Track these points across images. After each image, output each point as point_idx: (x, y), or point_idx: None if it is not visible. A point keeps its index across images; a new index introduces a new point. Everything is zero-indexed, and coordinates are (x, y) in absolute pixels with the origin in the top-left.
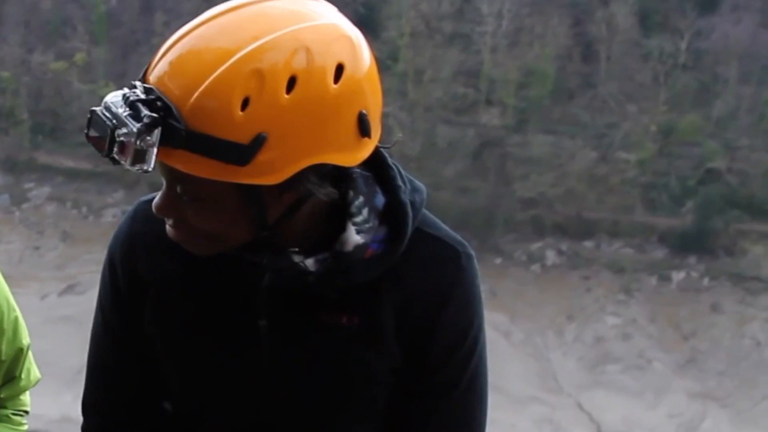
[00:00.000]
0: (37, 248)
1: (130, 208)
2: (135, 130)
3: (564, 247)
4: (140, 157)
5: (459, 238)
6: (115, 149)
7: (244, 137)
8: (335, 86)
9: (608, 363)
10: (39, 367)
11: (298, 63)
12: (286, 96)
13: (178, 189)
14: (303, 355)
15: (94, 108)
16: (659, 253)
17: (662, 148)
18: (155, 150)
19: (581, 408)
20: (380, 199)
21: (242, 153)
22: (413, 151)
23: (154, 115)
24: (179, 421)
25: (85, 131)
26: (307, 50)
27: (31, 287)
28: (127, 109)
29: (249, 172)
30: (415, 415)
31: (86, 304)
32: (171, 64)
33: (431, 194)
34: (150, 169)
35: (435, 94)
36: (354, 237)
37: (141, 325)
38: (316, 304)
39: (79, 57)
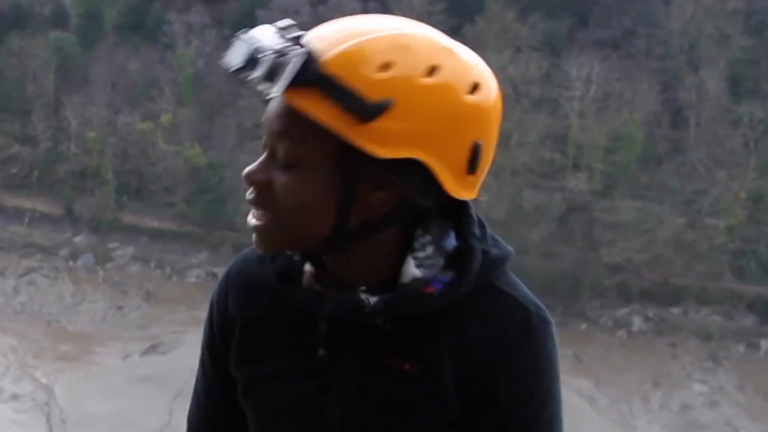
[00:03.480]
0: (120, 308)
1: None
2: (277, 45)
3: (651, 313)
4: (272, 74)
5: (537, 301)
6: (249, 64)
7: (374, 96)
8: (468, 97)
9: (695, 431)
10: (120, 427)
11: (444, 58)
12: (425, 78)
13: (281, 150)
14: (363, 396)
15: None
16: (748, 320)
17: (752, 214)
18: (289, 73)
19: None
20: (451, 242)
21: (367, 108)
22: (499, 216)
23: (301, 33)
24: None
25: (224, 54)
26: (456, 55)
27: (114, 347)
28: (277, 32)
29: (364, 133)
30: None
31: (168, 364)
32: (325, 27)
33: (517, 258)
34: (274, 93)
35: (522, 158)
36: (412, 270)
37: (228, 369)
38: (382, 349)
39: (165, 118)
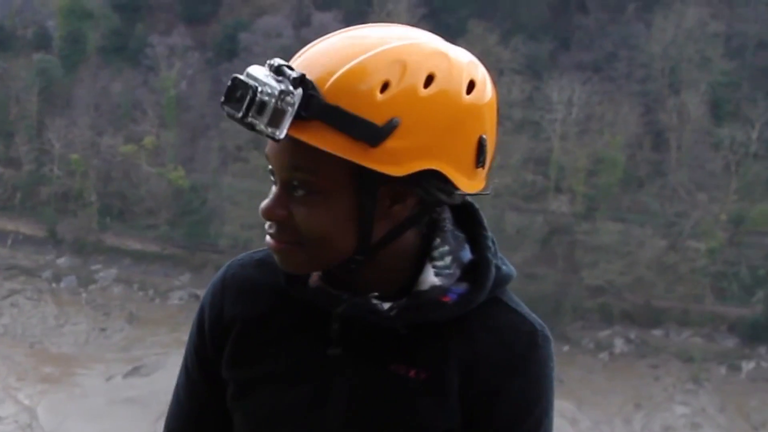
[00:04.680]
0: (103, 330)
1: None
2: (278, 89)
3: (632, 335)
4: (277, 118)
5: (539, 320)
6: (253, 111)
7: (379, 118)
8: (467, 97)
9: None
10: None
11: (438, 64)
12: (424, 90)
13: (295, 182)
14: (364, 400)
15: (236, 75)
16: (729, 342)
17: (732, 237)
18: (292, 113)
19: None
20: (467, 255)
21: (375, 133)
22: None
23: (297, 75)
24: None
25: (222, 100)
26: (447, 57)
27: (97, 368)
28: (272, 73)
29: (376, 156)
30: None
31: (151, 386)
32: (315, 52)
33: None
34: (282, 137)
35: (504, 180)
36: (431, 278)
37: (219, 372)
38: (386, 354)
39: (148, 140)
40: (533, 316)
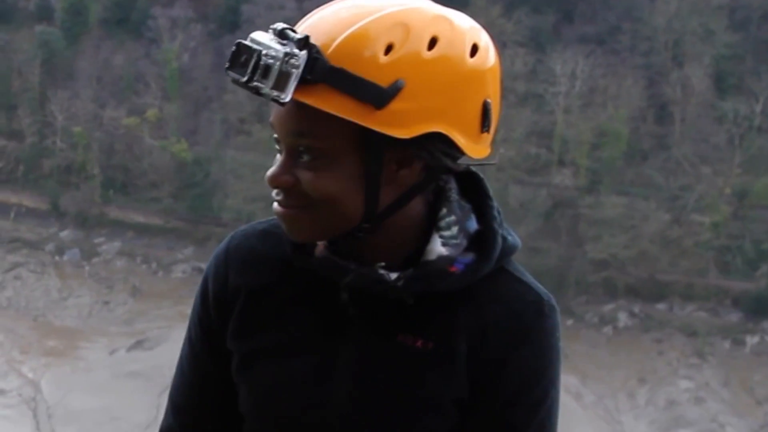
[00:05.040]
0: (106, 303)
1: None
2: (282, 51)
3: (636, 309)
4: (282, 82)
5: (545, 290)
6: (258, 74)
7: (383, 80)
8: (471, 61)
9: (681, 427)
10: (107, 422)
11: (441, 28)
12: (428, 52)
13: (301, 148)
14: (371, 370)
15: (239, 40)
16: (733, 316)
17: (736, 211)
18: (297, 75)
19: None
20: (473, 224)
21: (380, 94)
22: None
23: (301, 37)
24: None
25: (226, 66)
26: (450, 21)
27: (100, 342)
28: (276, 37)
29: (382, 119)
30: None
31: (155, 359)
32: (317, 19)
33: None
34: (287, 99)
35: (507, 153)
36: (438, 248)
37: (223, 343)
38: (393, 325)
39: (151, 113)
40: (539, 286)
